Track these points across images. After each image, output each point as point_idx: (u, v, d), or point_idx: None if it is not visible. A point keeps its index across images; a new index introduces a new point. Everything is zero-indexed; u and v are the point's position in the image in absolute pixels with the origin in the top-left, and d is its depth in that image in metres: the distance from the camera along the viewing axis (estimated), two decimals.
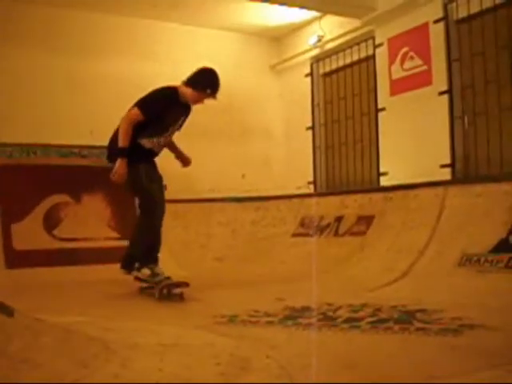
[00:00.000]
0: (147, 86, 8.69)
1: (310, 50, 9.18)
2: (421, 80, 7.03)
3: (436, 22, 6.85)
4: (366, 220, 6.64)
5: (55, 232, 7.31)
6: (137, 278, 5.18)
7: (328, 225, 7.10)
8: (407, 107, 7.22)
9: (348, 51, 8.54)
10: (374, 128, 7.90)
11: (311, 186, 9.15)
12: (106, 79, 8.42)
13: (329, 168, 9.10)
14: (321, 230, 7.15)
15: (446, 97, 6.74)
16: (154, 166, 5.46)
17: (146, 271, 5.03)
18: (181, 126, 5.50)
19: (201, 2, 8.13)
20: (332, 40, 8.72)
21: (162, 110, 5.13)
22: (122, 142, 5.01)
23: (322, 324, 3.73)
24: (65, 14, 8.13)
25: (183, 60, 9.08)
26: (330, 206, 7.34)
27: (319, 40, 8.92)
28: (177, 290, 4.90)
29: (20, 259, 6.82)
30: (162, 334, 3.35)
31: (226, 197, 8.45)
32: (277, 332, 3.57)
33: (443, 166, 6.68)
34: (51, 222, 7.34)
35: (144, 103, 5.13)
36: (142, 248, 5.13)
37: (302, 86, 9.39)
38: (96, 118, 8.25)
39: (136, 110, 5.06)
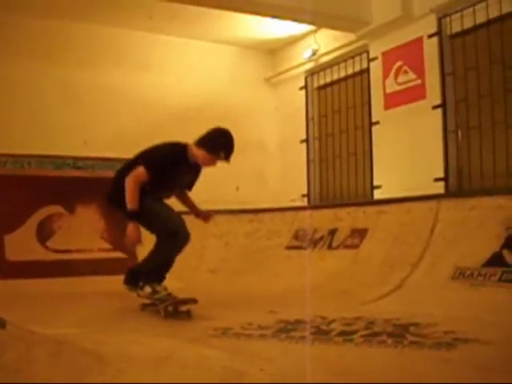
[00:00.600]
0: (141, 98, 8.79)
1: (305, 63, 9.22)
2: (415, 94, 7.06)
3: (430, 36, 6.89)
4: (360, 233, 6.65)
5: (48, 243, 7.29)
6: (139, 296, 5.01)
7: (322, 238, 7.09)
8: (401, 121, 7.25)
9: (342, 65, 8.58)
10: (368, 141, 7.92)
11: (305, 199, 9.16)
12: (101, 90, 8.43)
13: (323, 181, 9.11)
14: (314, 242, 7.15)
15: (439, 111, 6.78)
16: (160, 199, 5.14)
17: (147, 289, 4.81)
18: (190, 185, 5.32)
19: (196, 14, 8.15)
20: (326, 53, 8.77)
21: (168, 169, 4.85)
22: (131, 205, 4.67)
23: (316, 337, 3.72)
24: (60, 26, 8.15)
25: (178, 72, 9.13)
26: (323, 219, 7.34)
27: (314, 53, 8.96)
28: (183, 308, 4.70)
29: (13, 270, 6.79)
30: (155, 346, 3.34)
31: (220, 209, 8.44)
32: (270, 345, 3.56)
33: (437, 180, 6.70)
34: (44, 233, 7.32)
35: (150, 160, 4.81)
36: (150, 266, 4.94)
37: (296, 99, 9.42)
38: (90, 129, 8.27)
39: (142, 170, 4.72)
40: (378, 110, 7.66)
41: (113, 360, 2.71)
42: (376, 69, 7.69)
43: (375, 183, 7.66)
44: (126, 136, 8.46)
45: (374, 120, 7.72)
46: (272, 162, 9.73)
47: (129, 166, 4.96)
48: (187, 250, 6.73)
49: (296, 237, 7.55)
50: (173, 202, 5.32)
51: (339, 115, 8.77)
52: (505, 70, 6.26)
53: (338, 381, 2.72)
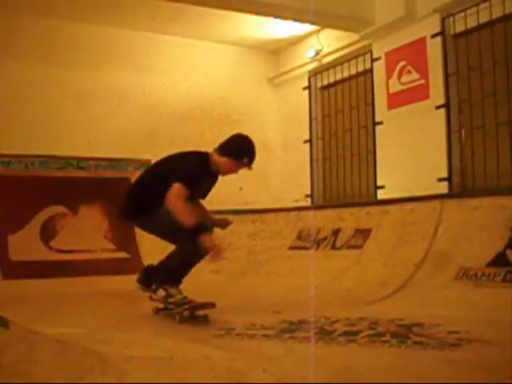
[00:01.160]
0: (145, 98, 8.80)
1: (308, 63, 9.22)
2: (418, 94, 7.05)
3: (433, 36, 6.88)
4: (363, 233, 6.64)
5: (52, 243, 7.30)
6: (152, 299, 4.77)
7: (325, 238, 7.09)
8: (404, 121, 7.24)
9: (346, 65, 8.57)
10: (372, 141, 7.91)
11: (308, 199, 9.15)
12: (104, 91, 8.45)
13: (326, 181, 9.10)
14: (318, 243, 7.14)
15: (443, 111, 6.77)
16: None
17: (160, 292, 4.55)
18: (205, 195, 5.18)
19: (199, 15, 8.15)
20: (330, 54, 8.76)
21: (198, 180, 4.69)
22: (188, 222, 4.36)
23: (319, 337, 3.71)
24: (63, 26, 8.17)
25: (181, 72, 9.14)
26: (327, 219, 7.33)
27: (317, 53, 8.96)
28: (200, 312, 4.43)
29: (16, 270, 6.80)
30: (157, 346, 3.34)
31: (224, 209, 8.43)
32: (274, 345, 3.56)
33: (440, 180, 6.69)
34: (48, 233, 7.34)
35: (185, 176, 4.52)
36: (168, 267, 4.68)
37: (299, 99, 9.42)
38: (94, 130, 8.29)
39: (180, 186, 4.42)
40: (381, 109, 7.65)
41: (115, 360, 2.71)
42: (379, 69, 7.68)
43: (378, 183, 7.65)
44: (130, 136, 8.49)
45: (377, 120, 7.71)
46: (275, 162, 9.72)
47: (150, 178, 4.82)
48: None
49: (299, 237, 7.54)
50: None
51: (342, 115, 8.77)
52: (508, 70, 6.25)
53: (342, 381, 2.71)
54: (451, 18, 6.78)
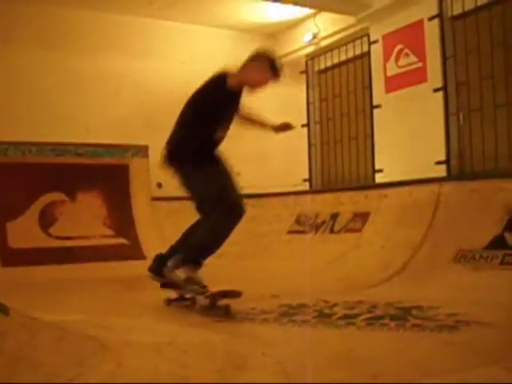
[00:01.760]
0: (143, 84, 8.76)
1: (305, 47, 9.17)
2: (416, 77, 7.03)
3: (431, 18, 6.84)
4: (362, 217, 6.65)
5: (51, 230, 7.30)
6: (164, 285, 4.43)
7: (324, 222, 7.10)
8: (402, 104, 7.22)
9: (343, 48, 8.54)
10: (370, 125, 7.89)
11: (307, 184, 9.15)
12: (103, 77, 8.42)
13: (324, 165, 9.10)
14: (316, 227, 7.15)
15: (440, 94, 6.75)
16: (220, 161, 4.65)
17: (179, 274, 4.15)
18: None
19: None
20: (327, 37, 8.72)
21: (221, 113, 4.57)
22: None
23: (318, 321, 3.73)
24: (61, 13, 8.12)
25: (179, 58, 9.09)
26: (325, 203, 7.34)
27: (314, 37, 8.91)
28: (222, 302, 4.03)
29: (15, 257, 6.81)
30: (157, 331, 3.35)
31: None
32: (273, 329, 3.57)
33: (438, 163, 6.68)
34: (47, 220, 7.33)
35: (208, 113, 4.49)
36: (192, 244, 4.42)
37: (297, 83, 9.39)
38: (92, 116, 8.26)
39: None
40: (379, 93, 7.63)
41: (115, 346, 2.72)
42: (377, 52, 7.65)
43: (377, 167, 7.64)
44: (128, 122, 8.46)
45: (375, 103, 7.69)
46: (273, 146, 9.69)
47: (186, 116, 4.69)
48: None
49: (298, 221, 7.56)
50: None
51: (340, 99, 8.75)
52: (506, 52, 6.23)
53: (341, 364, 2.72)
54: (448, 0, 6.75)
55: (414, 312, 3.86)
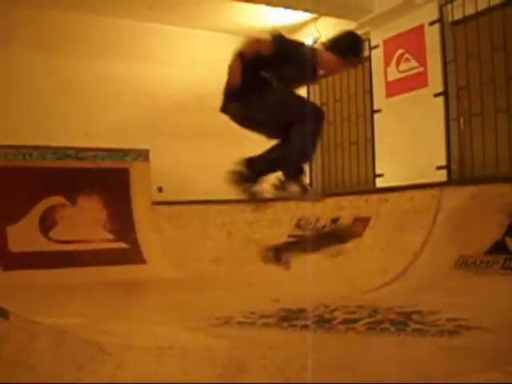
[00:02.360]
0: (143, 88, 8.77)
1: None
2: (416, 82, 7.03)
3: (431, 23, 6.85)
4: (362, 221, 6.64)
5: (51, 234, 7.30)
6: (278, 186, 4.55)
7: (324, 226, 7.09)
8: (403, 109, 7.22)
9: None
10: (370, 130, 7.89)
11: None
12: (102, 81, 8.43)
13: (325, 169, 9.09)
14: (317, 231, 7.14)
15: (441, 98, 6.75)
16: None
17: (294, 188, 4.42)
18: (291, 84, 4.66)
19: (196, 4, 8.12)
20: None
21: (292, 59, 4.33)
22: (231, 80, 4.34)
23: (318, 326, 3.73)
24: (61, 16, 8.13)
25: (179, 62, 9.11)
26: (326, 208, 7.32)
27: (315, 42, 8.90)
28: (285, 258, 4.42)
29: (16, 261, 6.80)
30: (157, 336, 3.34)
31: (222, 199, 8.44)
32: (273, 334, 3.57)
33: (439, 168, 6.68)
34: (47, 224, 7.33)
35: (278, 41, 4.38)
36: (291, 159, 4.45)
37: None
38: (92, 120, 8.26)
39: (255, 43, 4.35)
40: (379, 98, 7.63)
41: (115, 350, 2.71)
42: (377, 57, 7.65)
43: (377, 171, 7.64)
44: (128, 126, 8.47)
45: (375, 108, 7.69)
46: None
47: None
48: (189, 239, 6.68)
49: (298, 226, 7.54)
50: None
51: (341, 103, 8.74)
52: (507, 57, 6.23)
53: (341, 369, 2.72)
54: (449, 6, 6.75)
55: (414, 317, 3.85)
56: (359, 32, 7.90)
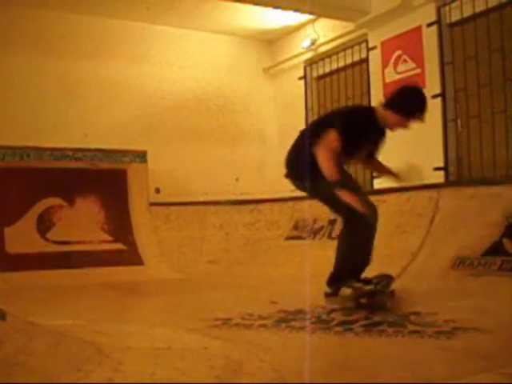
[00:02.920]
0: (141, 89, 8.78)
1: (304, 53, 9.19)
2: (414, 83, 7.02)
3: (429, 25, 6.86)
4: None
5: (48, 235, 7.28)
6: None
7: (321, 228, 7.09)
8: None
9: (341, 54, 8.55)
10: None
11: None
12: (100, 82, 8.43)
13: None
14: (314, 232, 7.14)
15: (439, 100, 6.76)
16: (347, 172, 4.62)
17: (346, 291, 4.30)
18: (374, 152, 4.90)
19: (194, 5, 8.13)
20: (325, 43, 8.74)
21: (360, 135, 4.38)
22: (331, 176, 4.06)
23: (316, 327, 3.72)
24: (58, 17, 8.14)
25: (177, 63, 9.12)
26: (323, 209, 7.30)
27: (313, 43, 8.93)
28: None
29: (13, 262, 6.79)
30: (155, 337, 3.34)
31: (220, 200, 8.45)
32: (270, 335, 3.56)
33: (436, 169, 6.69)
34: (44, 225, 7.32)
35: (343, 127, 4.18)
36: (345, 266, 4.47)
37: (295, 89, 9.40)
38: (90, 121, 8.27)
39: (335, 136, 4.10)
40: (377, 99, 7.60)
41: (112, 351, 2.71)
42: (375, 58, 7.66)
43: (374, 172, 7.63)
44: (126, 127, 8.48)
45: None
46: (271, 152, 9.71)
47: (312, 132, 4.38)
48: (186, 240, 6.64)
49: (296, 227, 7.55)
50: None
51: (338, 105, 8.74)
52: (504, 59, 6.24)
53: (338, 370, 2.72)
54: (447, 7, 6.77)
55: (411, 318, 3.85)
56: (357, 33, 7.98)
